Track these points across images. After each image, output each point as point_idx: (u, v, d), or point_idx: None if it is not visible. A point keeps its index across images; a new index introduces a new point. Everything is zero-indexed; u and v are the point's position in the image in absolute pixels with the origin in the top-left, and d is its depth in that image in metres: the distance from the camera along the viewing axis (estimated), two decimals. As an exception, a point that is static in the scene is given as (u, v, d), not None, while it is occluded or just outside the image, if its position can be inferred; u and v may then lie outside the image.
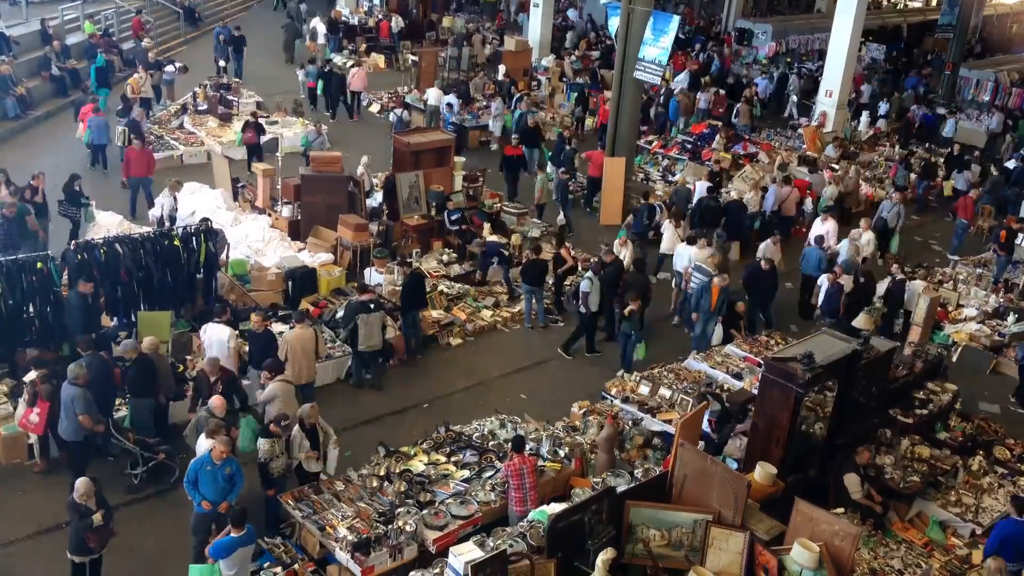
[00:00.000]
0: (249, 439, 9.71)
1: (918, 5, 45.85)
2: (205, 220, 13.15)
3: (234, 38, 25.55)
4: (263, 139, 19.00)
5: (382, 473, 9.67)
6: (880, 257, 16.97)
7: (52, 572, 8.63)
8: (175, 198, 15.14)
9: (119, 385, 10.53)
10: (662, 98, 24.91)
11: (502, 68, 26.42)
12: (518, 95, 23.77)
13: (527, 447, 9.86)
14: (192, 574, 7.98)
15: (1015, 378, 13.96)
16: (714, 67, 29.90)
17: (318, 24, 29.12)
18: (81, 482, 8.26)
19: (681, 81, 27.12)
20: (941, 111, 27.65)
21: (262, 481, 9.32)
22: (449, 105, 22.13)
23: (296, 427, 9.45)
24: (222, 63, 24.88)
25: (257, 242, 15.07)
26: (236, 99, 22.25)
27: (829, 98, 23.93)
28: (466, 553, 7.43)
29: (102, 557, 8.47)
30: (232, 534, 7.96)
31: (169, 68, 22.95)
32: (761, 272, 14.38)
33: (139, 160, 16.59)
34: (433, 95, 22.98)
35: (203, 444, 8.98)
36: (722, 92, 26.09)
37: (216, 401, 9.51)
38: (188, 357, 11.88)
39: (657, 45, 17.19)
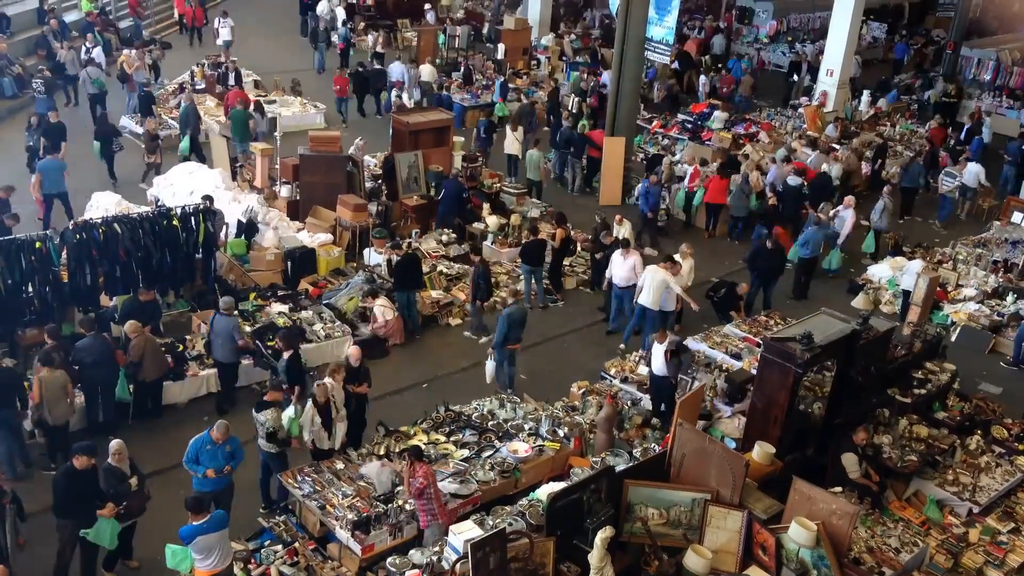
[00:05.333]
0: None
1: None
2: (207, 197, 13.08)
3: None
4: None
5: (382, 452, 9.70)
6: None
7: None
8: None
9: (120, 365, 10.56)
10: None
11: (501, 47, 26.24)
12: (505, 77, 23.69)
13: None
14: (167, 552, 7.89)
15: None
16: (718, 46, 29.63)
17: (337, 9, 28.86)
18: (115, 443, 8.37)
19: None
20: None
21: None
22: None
23: (309, 403, 9.49)
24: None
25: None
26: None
27: (830, 77, 23.75)
28: (466, 532, 7.48)
29: (136, 523, 8.58)
30: (192, 522, 7.66)
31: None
32: (765, 251, 14.36)
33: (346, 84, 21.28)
34: (426, 72, 22.86)
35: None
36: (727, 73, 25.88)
37: (355, 351, 10.38)
38: (187, 337, 11.89)
39: (662, 24, 17.08)
